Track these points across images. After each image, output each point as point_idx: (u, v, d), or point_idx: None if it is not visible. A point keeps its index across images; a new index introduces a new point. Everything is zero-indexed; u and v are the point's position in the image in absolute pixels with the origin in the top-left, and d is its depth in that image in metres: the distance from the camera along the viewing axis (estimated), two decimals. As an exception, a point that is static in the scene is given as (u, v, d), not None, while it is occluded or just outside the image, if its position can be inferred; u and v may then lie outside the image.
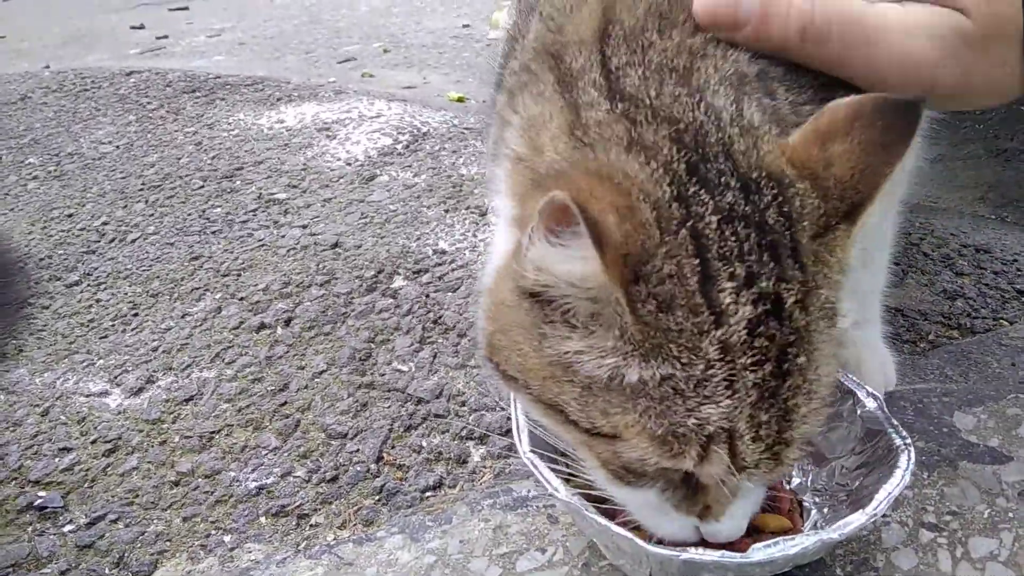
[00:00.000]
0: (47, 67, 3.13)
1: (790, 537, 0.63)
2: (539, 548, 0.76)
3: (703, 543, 0.63)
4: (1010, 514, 0.75)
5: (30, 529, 0.94)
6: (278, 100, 2.23)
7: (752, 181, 0.56)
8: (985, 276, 1.19)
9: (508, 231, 0.65)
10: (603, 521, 0.64)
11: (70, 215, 1.68)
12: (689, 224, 0.54)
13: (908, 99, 0.59)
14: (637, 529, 0.64)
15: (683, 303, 0.53)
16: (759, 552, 0.61)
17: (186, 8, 4.70)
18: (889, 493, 0.65)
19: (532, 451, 0.71)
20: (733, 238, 0.54)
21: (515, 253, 0.59)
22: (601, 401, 0.56)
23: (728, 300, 0.53)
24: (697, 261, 0.53)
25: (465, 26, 3.91)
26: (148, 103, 2.30)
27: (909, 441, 0.69)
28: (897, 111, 0.58)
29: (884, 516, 0.75)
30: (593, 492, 0.65)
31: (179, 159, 1.89)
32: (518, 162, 0.67)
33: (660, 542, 0.64)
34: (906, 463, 0.67)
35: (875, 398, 0.75)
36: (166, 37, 4.00)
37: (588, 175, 0.56)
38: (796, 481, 0.78)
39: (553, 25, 0.72)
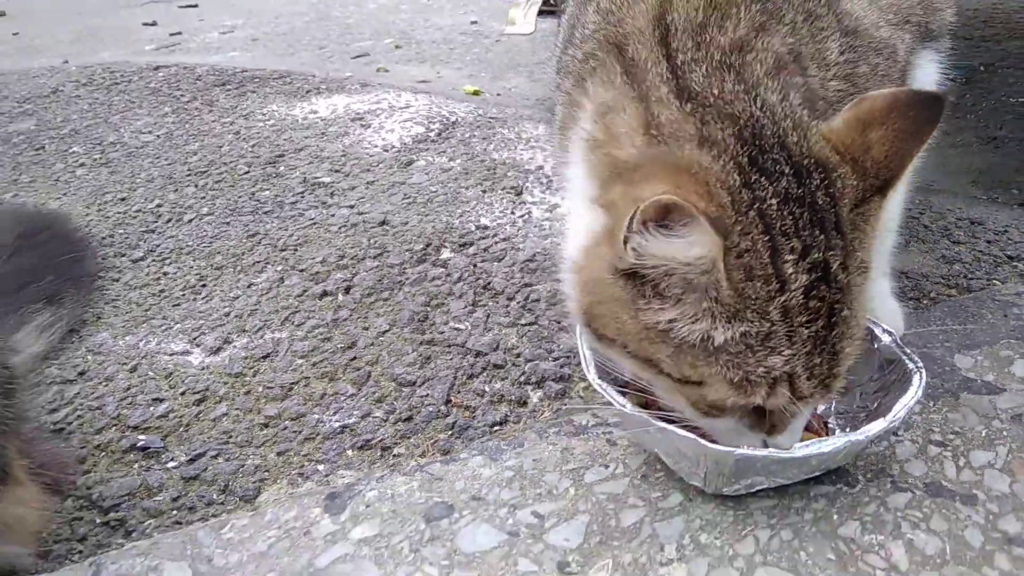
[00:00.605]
0: (66, 62, 3.23)
1: (824, 438, 0.76)
2: (602, 464, 0.89)
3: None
4: (1004, 433, 0.89)
5: (136, 466, 1.06)
6: (307, 92, 2.35)
7: (803, 168, 0.69)
8: (979, 244, 1.33)
9: (590, 210, 0.76)
10: (667, 427, 0.77)
11: (123, 199, 1.79)
12: (756, 206, 0.67)
13: (935, 92, 0.73)
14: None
15: (760, 273, 0.66)
16: (800, 450, 0.75)
17: (195, 5, 4.80)
18: (905, 404, 0.78)
19: (599, 379, 0.83)
20: (790, 217, 0.67)
21: (608, 238, 0.70)
22: (690, 357, 0.68)
23: (790, 270, 0.66)
24: (767, 237, 0.66)
25: (473, 23, 4.04)
26: (181, 95, 2.42)
27: (921, 365, 0.83)
28: (926, 103, 0.71)
29: (897, 434, 0.89)
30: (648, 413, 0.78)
31: (220, 147, 2.00)
32: (596, 147, 0.78)
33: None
34: (919, 381, 0.80)
35: (890, 334, 0.88)
36: (179, 34, 4.10)
37: (669, 169, 0.68)
38: (822, 408, 0.91)
39: (612, 19, 0.85)
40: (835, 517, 0.80)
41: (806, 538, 0.78)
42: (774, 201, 0.67)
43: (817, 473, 0.82)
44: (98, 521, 0.98)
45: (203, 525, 0.87)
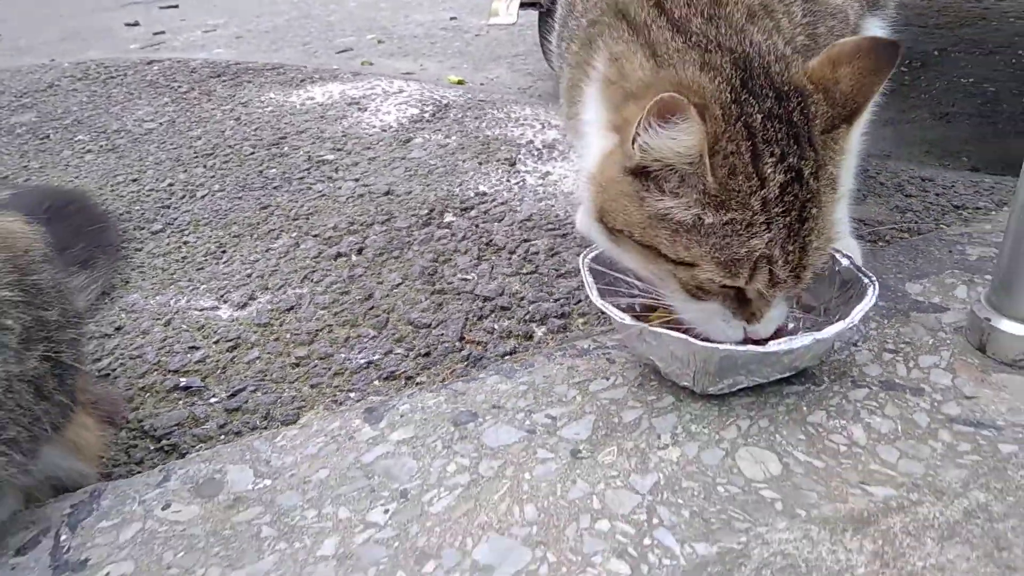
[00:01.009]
0: (53, 60, 3.31)
1: (794, 336, 0.90)
2: (604, 377, 1.02)
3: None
4: (947, 341, 1.04)
5: (181, 403, 1.18)
6: (302, 81, 2.47)
7: (784, 92, 0.84)
8: (929, 196, 1.49)
9: (604, 134, 0.91)
10: (661, 330, 0.90)
11: (135, 180, 1.90)
12: (743, 119, 0.82)
13: (893, 40, 0.88)
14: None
15: (742, 171, 0.80)
16: (773, 346, 0.89)
17: (176, 6, 4.88)
18: (862, 309, 0.93)
19: (600, 299, 0.97)
20: (771, 130, 0.82)
21: (619, 148, 0.86)
22: (685, 239, 0.82)
23: (769, 171, 0.81)
24: (750, 143, 0.81)
25: (452, 19, 4.17)
26: (179, 86, 2.52)
27: (875, 279, 0.97)
28: (886, 47, 0.86)
29: (856, 345, 1.03)
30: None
31: (223, 132, 2.12)
32: (609, 84, 0.93)
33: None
34: (873, 291, 0.95)
35: (848, 258, 1.03)
36: (163, 33, 4.19)
37: (674, 84, 0.83)
38: (791, 326, 1.06)
39: None
40: (804, 408, 0.94)
41: (781, 424, 0.92)
42: (758, 116, 0.82)
43: (789, 373, 0.96)
44: (152, 448, 1.10)
45: (258, 436, 0.99)
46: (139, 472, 1.02)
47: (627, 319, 0.94)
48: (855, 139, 1.05)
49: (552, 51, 1.21)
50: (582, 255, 1.06)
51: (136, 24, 4.41)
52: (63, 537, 0.86)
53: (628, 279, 0.99)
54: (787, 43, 0.90)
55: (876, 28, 1.16)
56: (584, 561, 0.78)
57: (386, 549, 0.81)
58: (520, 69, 3.22)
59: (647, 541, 0.79)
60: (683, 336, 0.89)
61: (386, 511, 0.85)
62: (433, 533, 0.82)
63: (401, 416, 0.99)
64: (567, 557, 0.78)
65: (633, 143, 0.82)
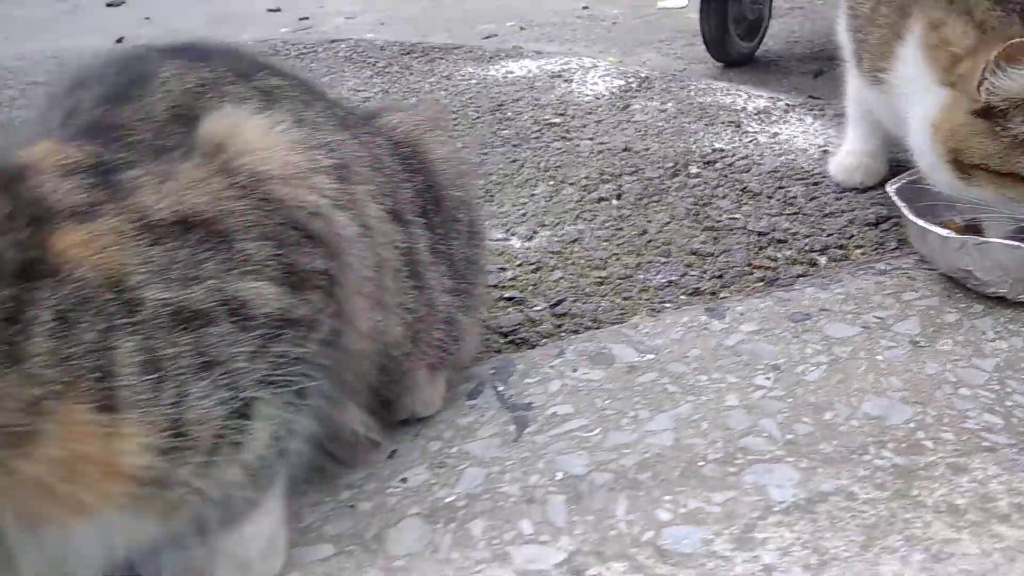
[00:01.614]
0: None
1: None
2: (911, 290, 1.20)
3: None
4: None
5: (511, 310, 1.38)
6: (490, 59, 2.69)
7: None
8: None
9: (932, 92, 1.14)
10: (990, 240, 1.08)
11: (373, 138, 2.13)
12: None
13: None
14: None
15: None
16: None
17: (311, -6, 5.17)
18: None
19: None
20: None
21: (959, 98, 1.06)
22: None
23: None
24: None
25: (585, 8, 4.38)
26: (376, 62, 2.76)
27: None
28: None
29: None
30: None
31: (439, 100, 2.34)
32: (932, 48, 1.13)
33: None
34: None
35: None
36: (307, 19, 4.47)
37: (1003, 41, 1.01)
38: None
39: None
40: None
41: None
42: None
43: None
44: (502, 341, 1.30)
45: (622, 324, 1.19)
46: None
47: (951, 233, 1.12)
48: None
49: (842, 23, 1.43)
50: (889, 185, 1.24)
51: (278, 10, 4.71)
52: (500, 388, 1.07)
53: (944, 204, 1.18)
54: None
55: None
56: (960, 415, 0.96)
57: (782, 403, 1.00)
58: (669, 53, 3.40)
59: (1008, 403, 0.97)
60: (1014, 243, 1.07)
61: (767, 378, 1.04)
62: (818, 394, 1.01)
63: (740, 314, 1.18)
64: (945, 411, 0.96)
65: (979, 88, 1.03)
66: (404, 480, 0.93)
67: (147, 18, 4.87)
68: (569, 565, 0.80)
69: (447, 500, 0.90)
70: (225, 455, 0.71)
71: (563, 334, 1.31)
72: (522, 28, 3.98)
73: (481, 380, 1.09)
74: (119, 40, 4.09)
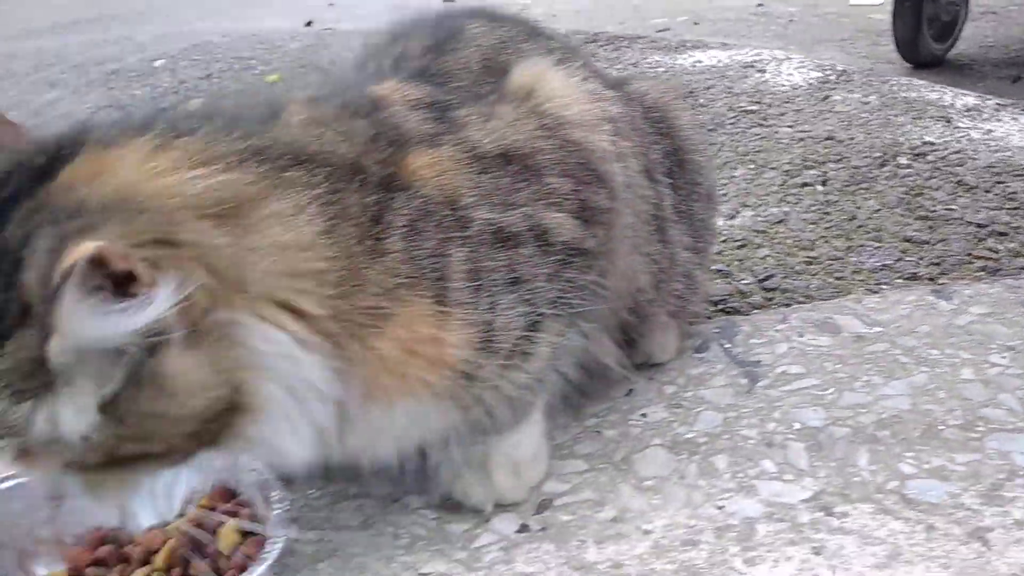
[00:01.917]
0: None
1: None
2: None
3: None
4: None
5: (720, 281, 1.44)
6: (675, 49, 2.74)
7: None
8: None
9: None
10: None
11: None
12: None
13: None
14: None
15: None
16: None
17: (483, -14, 5.38)
18: None
19: None
20: None
21: None
22: None
23: None
24: None
25: (759, 5, 4.35)
26: (562, 47, 2.87)
27: None
28: None
29: None
30: None
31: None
32: None
33: None
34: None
35: None
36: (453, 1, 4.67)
37: None
38: None
39: None
40: None
41: None
42: None
43: None
44: (712, 309, 1.36)
45: (840, 300, 1.22)
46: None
47: None
48: None
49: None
50: None
51: (452, 1, 4.93)
52: (726, 345, 1.13)
53: None
54: None
55: None
56: None
57: (1020, 380, 1.01)
58: (853, 52, 3.34)
59: None
60: None
61: (1003, 357, 1.05)
62: (1060, 375, 1.01)
63: (969, 297, 1.19)
64: None
65: None
66: (644, 415, 1.01)
67: (331, 3, 5.21)
68: (816, 502, 0.86)
69: (687, 436, 0.97)
70: (517, 362, 0.81)
71: (774, 307, 1.35)
72: (695, 23, 4.00)
73: (706, 338, 1.15)
74: (308, 23, 4.43)
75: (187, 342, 0.61)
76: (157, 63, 3.07)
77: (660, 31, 3.89)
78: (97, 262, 0.54)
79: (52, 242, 0.57)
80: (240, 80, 2.88)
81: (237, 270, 0.63)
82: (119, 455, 0.64)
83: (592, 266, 0.86)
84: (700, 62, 2.54)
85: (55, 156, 0.64)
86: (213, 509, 0.85)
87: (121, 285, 0.56)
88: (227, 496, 0.87)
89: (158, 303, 0.57)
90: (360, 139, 0.75)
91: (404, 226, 0.74)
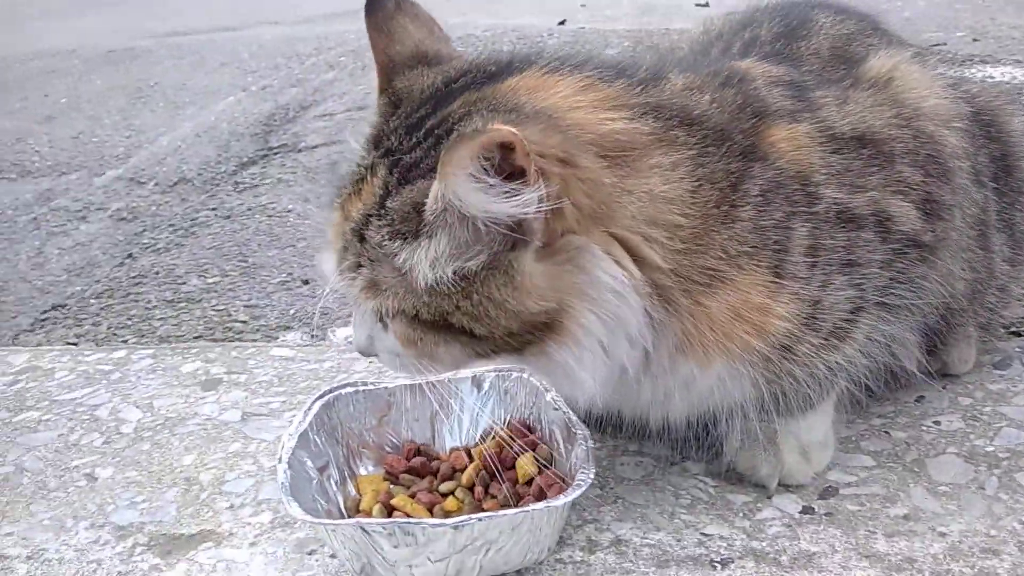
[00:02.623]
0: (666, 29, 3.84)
1: None
2: None
3: None
4: None
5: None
6: (962, 62, 2.58)
7: None
8: None
9: None
10: None
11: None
12: None
13: None
14: None
15: None
16: None
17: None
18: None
19: None
20: None
21: None
22: None
23: None
24: None
25: (1055, 24, 3.96)
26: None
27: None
28: None
29: None
30: None
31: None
32: None
33: None
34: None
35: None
36: (732, 13, 4.61)
37: None
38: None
39: None
40: None
41: None
42: None
43: None
44: (1003, 331, 1.29)
45: None
46: None
47: None
48: None
49: None
50: None
51: (707, 5, 4.91)
52: (1028, 364, 1.08)
53: None
54: None
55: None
56: None
57: None
58: None
59: None
60: None
61: None
62: None
63: None
64: None
65: None
66: (937, 423, 0.99)
67: (583, 5, 5.38)
68: None
69: (987, 449, 0.94)
70: (834, 343, 0.83)
71: None
72: (975, 40, 3.72)
73: (1008, 355, 1.10)
74: (561, 22, 4.61)
75: (541, 252, 0.70)
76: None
77: (933, 45, 3.66)
78: (505, 146, 0.64)
79: (483, 122, 0.69)
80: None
81: (608, 206, 0.71)
82: (447, 322, 0.72)
83: (924, 260, 0.86)
84: (990, 77, 2.37)
85: (506, 67, 0.78)
86: (512, 441, 0.94)
87: (509, 178, 0.65)
88: (525, 432, 0.95)
89: (531, 203, 0.66)
90: (729, 107, 0.81)
91: (757, 195, 0.78)
